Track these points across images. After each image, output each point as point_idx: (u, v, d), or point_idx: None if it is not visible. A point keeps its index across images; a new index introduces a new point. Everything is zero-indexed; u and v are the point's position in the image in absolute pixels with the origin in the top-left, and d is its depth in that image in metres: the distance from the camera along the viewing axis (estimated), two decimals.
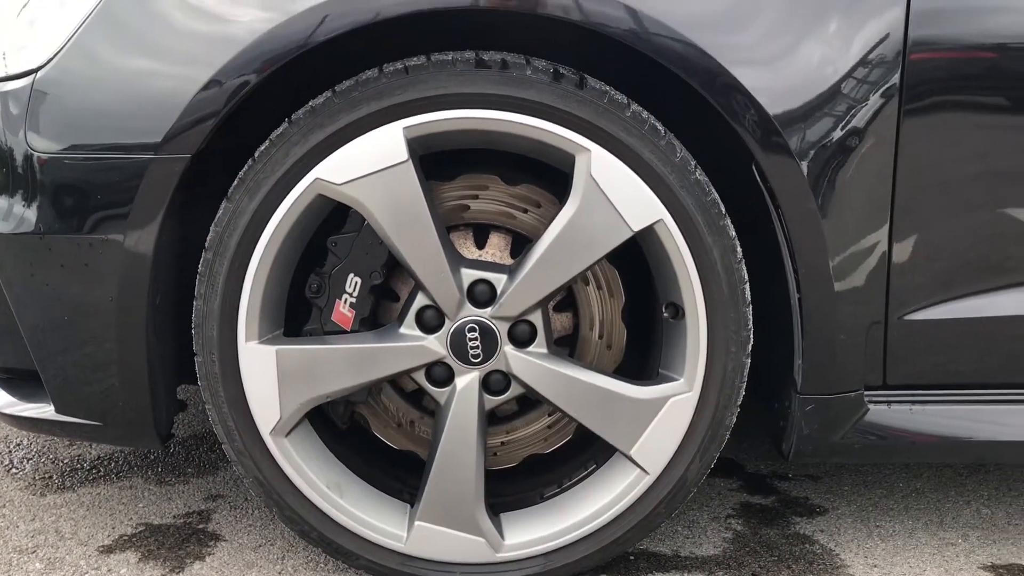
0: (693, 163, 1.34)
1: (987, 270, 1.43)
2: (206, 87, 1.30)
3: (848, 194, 1.34)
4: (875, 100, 1.32)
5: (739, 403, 1.41)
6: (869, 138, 1.33)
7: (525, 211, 1.46)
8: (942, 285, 1.42)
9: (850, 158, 1.33)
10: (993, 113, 1.37)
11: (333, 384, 1.38)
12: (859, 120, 1.32)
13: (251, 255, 1.34)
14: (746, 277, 1.37)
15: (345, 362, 1.37)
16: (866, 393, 1.44)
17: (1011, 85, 1.35)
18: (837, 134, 1.32)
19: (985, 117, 1.37)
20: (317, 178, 1.32)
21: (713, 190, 1.35)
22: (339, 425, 1.52)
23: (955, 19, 1.33)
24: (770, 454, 1.95)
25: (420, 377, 1.42)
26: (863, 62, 1.31)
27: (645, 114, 1.33)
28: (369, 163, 1.31)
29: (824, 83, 1.31)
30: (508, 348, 1.39)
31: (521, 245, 1.46)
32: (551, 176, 1.44)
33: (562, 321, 1.52)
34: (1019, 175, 1.39)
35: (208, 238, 1.35)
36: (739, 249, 1.37)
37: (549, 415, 1.54)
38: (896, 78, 1.32)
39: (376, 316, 1.47)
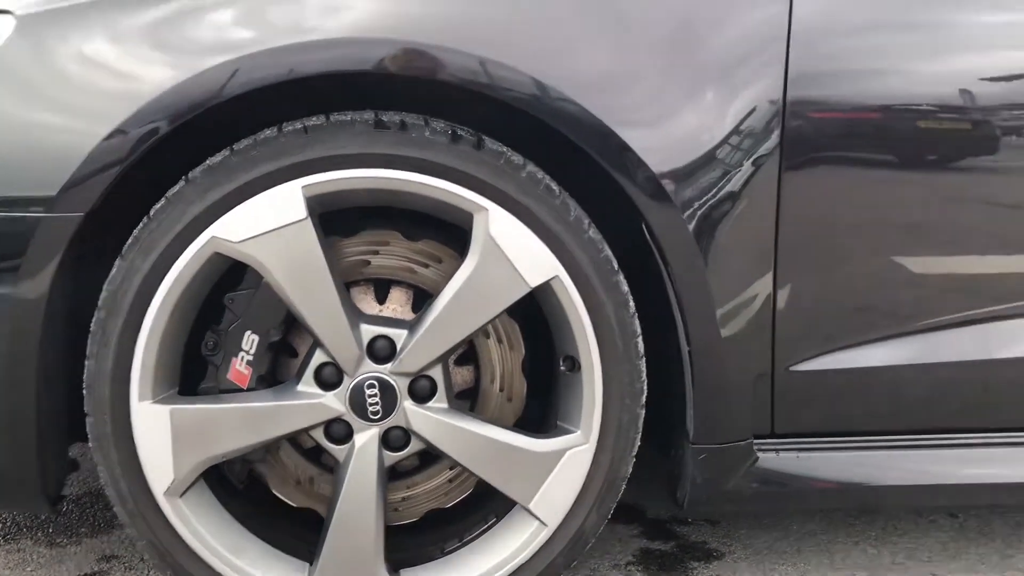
0: (587, 221, 1.39)
1: (869, 321, 1.50)
2: (105, 140, 1.29)
3: (733, 250, 1.40)
4: (757, 158, 1.39)
5: (635, 454, 1.45)
6: (751, 194, 1.39)
7: (426, 266, 1.48)
8: (826, 337, 1.49)
9: (734, 215, 1.39)
10: (870, 168, 1.45)
11: (229, 444, 1.36)
12: (742, 177, 1.39)
13: (145, 314, 1.32)
14: (639, 330, 1.42)
15: (241, 421, 1.36)
16: (755, 442, 1.49)
17: (883, 143, 1.44)
18: (721, 191, 1.38)
19: (863, 172, 1.45)
20: (214, 236, 1.31)
21: (606, 247, 1.40)
22: (236, 484, 1.50)
23: (830, 82, 1.41)
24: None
25: (319, 435, 1.41)
26: (744, 123, 1.38)
27: (540, 174, 1.37)
28: (267, 221, 1.31)
29: (708, 143, 1.37)
30: (408, 404, 1.40)
31: (423, 300, 1.48)
32: (452, 231, 1.46)
33: (463, 375, 1.53)
34: (899, 227, 1.47)
35: (101, 296, 1.33)
36: (632, 303, 1.41)
37: (450, 469, 1.55)
38: (776, 137, 1.39)
39: (275, 373, 1.46)
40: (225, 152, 1.33)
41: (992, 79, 1.46)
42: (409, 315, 1.47)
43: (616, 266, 1.40)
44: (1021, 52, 1.47)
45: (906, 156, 1.46)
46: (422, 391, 1.41)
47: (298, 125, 1.33)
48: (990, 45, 1.47)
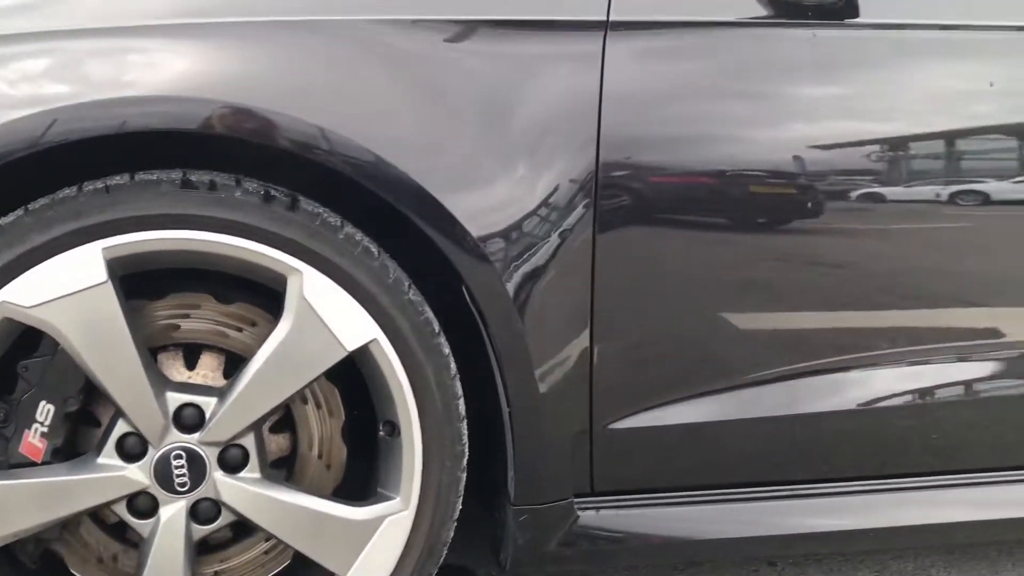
0: (407, 283, 1.38)
1: (686, 379, 1.54)
2: None
3: (550, 311, 1.42)
4: (572, 221, 1.41)
5: (455, 518, 1.44)
6: (567, 256, 1.42)
7: (240, 330, 1.43)
8: (643, 394, 1.52)
9: (551, 277, 1.41)
10: (680, 229, 1.50)
11: (18, 523, 1.27)
12: (557, 240, 1.41)
13: None
14: (460, 393, 1.41)
15: (33, 498, 1.27)
16: (576, 501, 1.50)
17: (693, 206, 1.49)
18: (538, 254, 1.40)
19: (674, 233, 1.49)
20: (4, 301, 1.24)
21: (427, 309, 1.39)
22: (28, 565, 1.40)
23: (640, 148, 1.45)
24: None
25: (121, 509, 1.33)
26: (559, 187, 1.41)
27: (359, 236, 1.36)
28: (63, 285, 1.24)
29: (525, 207, 1.39)
30: (218, 475, 1.34)
31: (237, 365, 1.43)
32: (269, 293, 1.43)
33: (279, 442, 1.48)
34: (713, 286, 1.52)
35: None
36: (453, 366, 1.41)
37: (266, 540, 1.49)
38: (590, 200, 1.42)
39: (74, 445, 1.38)
40: (19, 212, 1.26)
41: (806, 147, 1.53)
42: (220, 381, 1.41)
43: (437, 328, 1.40)
44: (824, 123, 1.56)
45: (716, 218, 1.52)
46: (233, 460, 1.36)
47: (99, 184, 1.27)
48: (803, 115, 1.54)
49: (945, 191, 1.58)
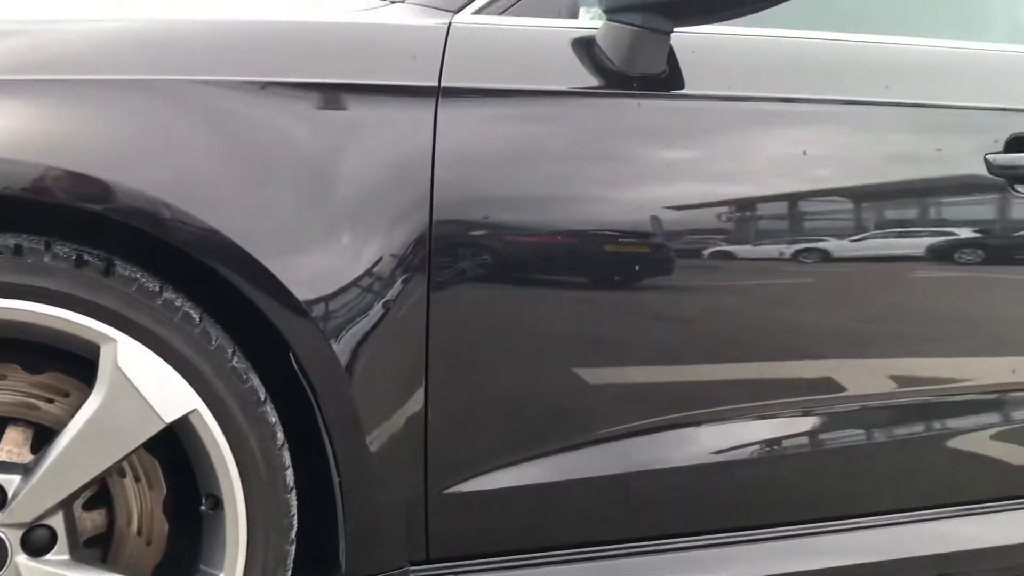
0: (230, 350, 1.34)
1: (525, 440, 1.54)
2: None
3: (383, 377, 1.41)
4: (404, 285, 1.40)
5: None
6: (399, 321, 1.40)
7: (51, 401, 1.35)
8: (481, 457, 1.52)
9: (383, 342, 1.40)
10: (521, 288, 1.51)
11: None
12: (389, 304, 1.40)
13: None
14: (288, 463, 1.37)
15: None
16: (411, 569, 1.47)
17: (526, 266, 1.51)
18: (369, 319, 1.38)
19: (513, 293, 1.50)
20: None
21: (252, 377, 1.35)
22: None
23: (473, 211, 1.47)
24: None
25: None
26: (391, 251, 1.40)
27: (179, 302, 1.31)
28: None
29: (354, 271, 1.38)
30: (21, 559, 1.25)
31: (49, 439, 1.35)
32: (84, 361, 1.36)
33: (94, 519, 1.40)
34: (551, 344, 1.52)
35: None
36: (280, 435, 1.37)
37: None
38: (423, 262, 1.42)
39: None
40: None
41: (634, 207, 1.57)
42: (28, 457, 1.33)
43: (263, 396, 1.36)
44: (649, 185, 1.59)
45: (550, 276, 1.53)
46: (39, 542, 1.27)
47: None
48: (631, 177, 1.59)
49: (763, 250, 1.65)
